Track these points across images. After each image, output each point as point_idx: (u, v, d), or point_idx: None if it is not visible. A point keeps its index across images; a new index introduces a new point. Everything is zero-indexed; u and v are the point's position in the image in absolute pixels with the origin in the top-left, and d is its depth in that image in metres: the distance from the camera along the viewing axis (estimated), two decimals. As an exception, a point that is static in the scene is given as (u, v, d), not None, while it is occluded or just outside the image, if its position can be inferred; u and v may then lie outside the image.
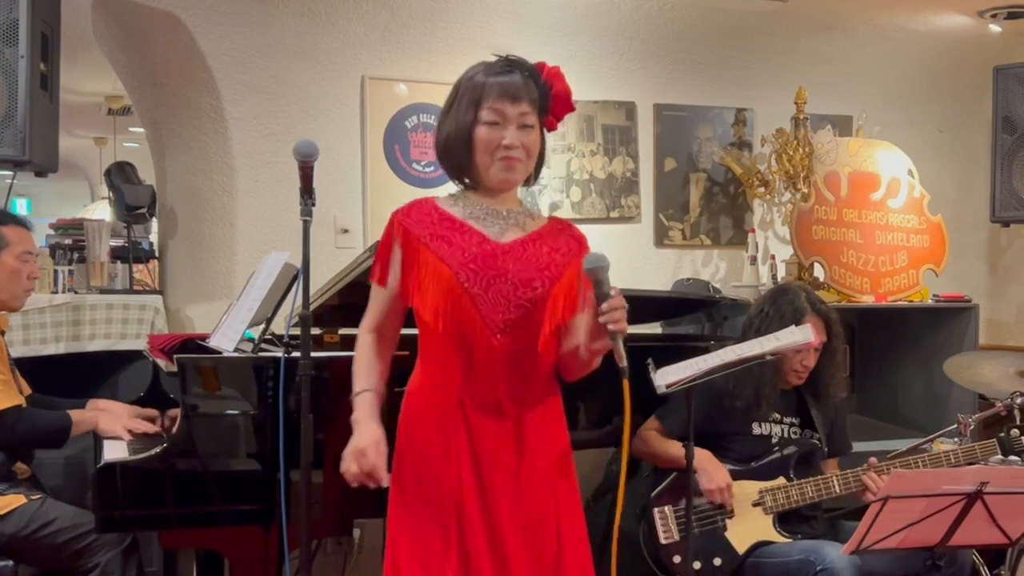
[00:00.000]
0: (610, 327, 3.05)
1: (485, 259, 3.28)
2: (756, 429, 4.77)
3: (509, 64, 3.32)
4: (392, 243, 3.37)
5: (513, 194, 3.44)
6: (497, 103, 3.25)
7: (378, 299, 3.45)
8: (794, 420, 4.83)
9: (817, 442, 4.79)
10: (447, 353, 3.31)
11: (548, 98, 3.35)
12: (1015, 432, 4.72)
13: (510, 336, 3.27)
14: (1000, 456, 4.76)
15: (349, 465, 3.23)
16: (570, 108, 3.44)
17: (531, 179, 3.44)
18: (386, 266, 3.39)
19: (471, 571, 3.26)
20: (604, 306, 3.05)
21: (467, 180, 3.41)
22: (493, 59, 3.36)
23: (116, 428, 4.62)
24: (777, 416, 4.80)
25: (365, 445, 3.22)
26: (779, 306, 4.77)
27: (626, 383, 3.09)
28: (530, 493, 3.32)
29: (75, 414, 4.65)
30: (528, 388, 3.34)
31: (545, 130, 3.42)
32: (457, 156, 3.34)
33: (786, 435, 4.79)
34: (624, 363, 3.10)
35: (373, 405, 3.35)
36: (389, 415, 3.46)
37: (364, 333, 3.47)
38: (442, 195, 3.48)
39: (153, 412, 4.93)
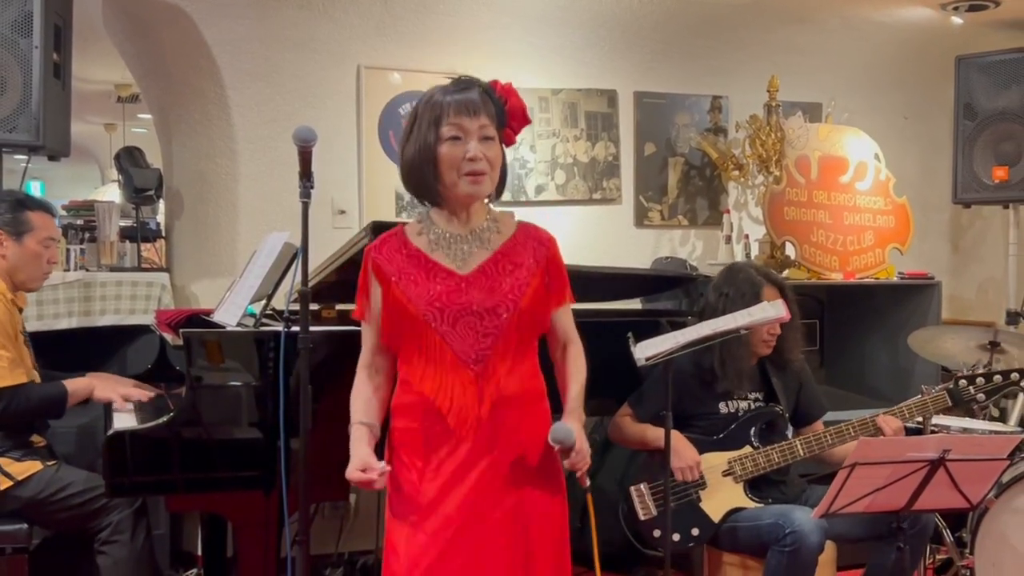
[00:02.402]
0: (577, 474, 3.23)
1: (450, 296, 3.23)
2: (723, 408, 4.77)
3: (464, 83, 3.26)
4: (369, 279, 3.34)
5: (480, 207, 3.36)
6: (456, 118, 3.17)
7: (366, 334, 3.41)
8: (758, 395, 4.83)
9: (780, 411, 4.80)
10: (423, 385, 3.27)
11: (504, 112, 3.27)
12: (963, 383, 4.72)
13: (484, 364, 3.24)
14: (950, 404, 4.75)
15: (354, 483, 3.22)
16: (526, 121, 3.37)
17: (493, 194, 3.35)
18: (367, 301, 3.36)
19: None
20: (566, 463, 3.23)
21: (434, 200, 3.32)
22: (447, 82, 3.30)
23: (110, 395, 4.61)
24: (742, 393, 4.80)
25: (354, 467, 3.18)
26: (737, 285, 4.77)
27: (589, 497, 3.32)
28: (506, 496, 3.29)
29: (70, 384, 4.64)
30: (508, 401, 3.28)
31: (504, 145, 3.32)
32: (423, 176, 3.24)
33: (751, 409, 4.80)
34: (587, 484, 3.28)
35: (363, 438, 3.28)
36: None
37: (359, 370, 3.42)
38: (412, 221, 3.42)
39: (157, 391, 4.94)
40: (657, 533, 4.58)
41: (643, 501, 4.64)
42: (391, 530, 3.31)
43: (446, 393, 3.23)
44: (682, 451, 4.58)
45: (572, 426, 3.22)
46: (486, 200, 3.37)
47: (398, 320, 3.26)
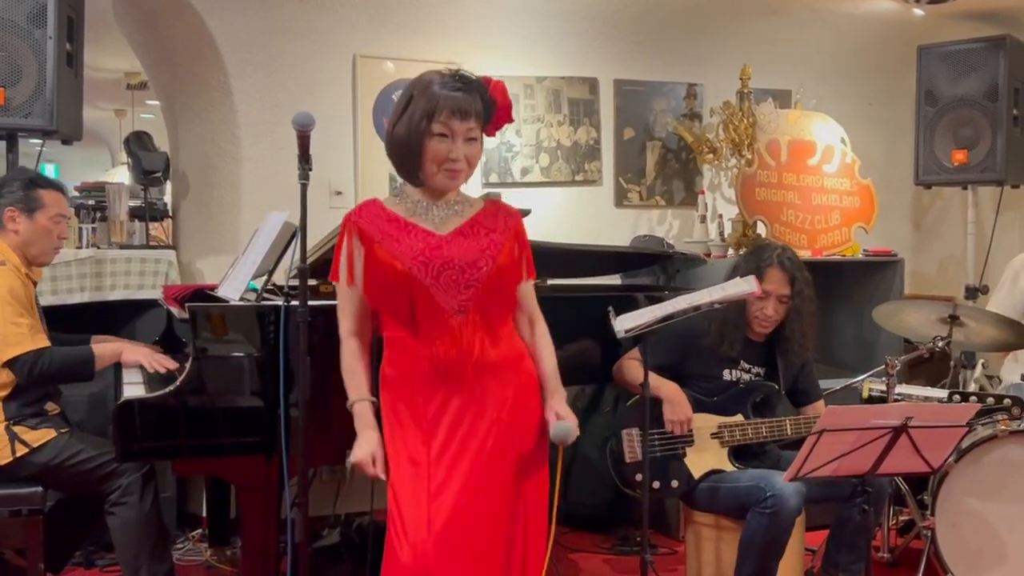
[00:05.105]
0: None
1: (431, 251, 3.28)
2: (726, 375, 4.73)
3: (461, 81, 3.27)
4: (351, 243, 3.35)
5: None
6: (449, 119, 3.20)
7: (349, 299, 3.42)
8: (760, 370, 4.78)
9: (777, 388, 4.77)
10: (410, 339, 3.30)
11: (492, 111, 3.32)
12: (956, 399, 4.65)
13: (466, 315, 3.28)
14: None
15: (359, 466, 3.30)
16: (509, 119, 3.41)
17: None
18: (351, 265, 3.36)
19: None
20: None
21: (412, 180, 3.37)
22: (445, 70, 3.32)
23: (139, 357, 4.59)
24: (746, 366, 4.76)
25: (363, 458, 3.28)
26: (748, 262, 4.74)
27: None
28: (496, 453, 3.32)
29: (98, 347, 4.61)
30: (490, 355, 3.33)
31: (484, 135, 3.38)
32: (407, 158, 3.29)
33: (751, 381, 4.77)
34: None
35: (368, 415, 3.36)
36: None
37: (346, 338, 3.45)
38: (384, 196, 3.47)
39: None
40: (639, 477, 4.56)
41: (632, 445, 4.64)
42: (397, 492, 3.31)
43: (434, 342, 3.26)
44: (678, 406, 4.58)
45: (568, 422, 3.32)
46: None
47: (383, 279, 3.29)
